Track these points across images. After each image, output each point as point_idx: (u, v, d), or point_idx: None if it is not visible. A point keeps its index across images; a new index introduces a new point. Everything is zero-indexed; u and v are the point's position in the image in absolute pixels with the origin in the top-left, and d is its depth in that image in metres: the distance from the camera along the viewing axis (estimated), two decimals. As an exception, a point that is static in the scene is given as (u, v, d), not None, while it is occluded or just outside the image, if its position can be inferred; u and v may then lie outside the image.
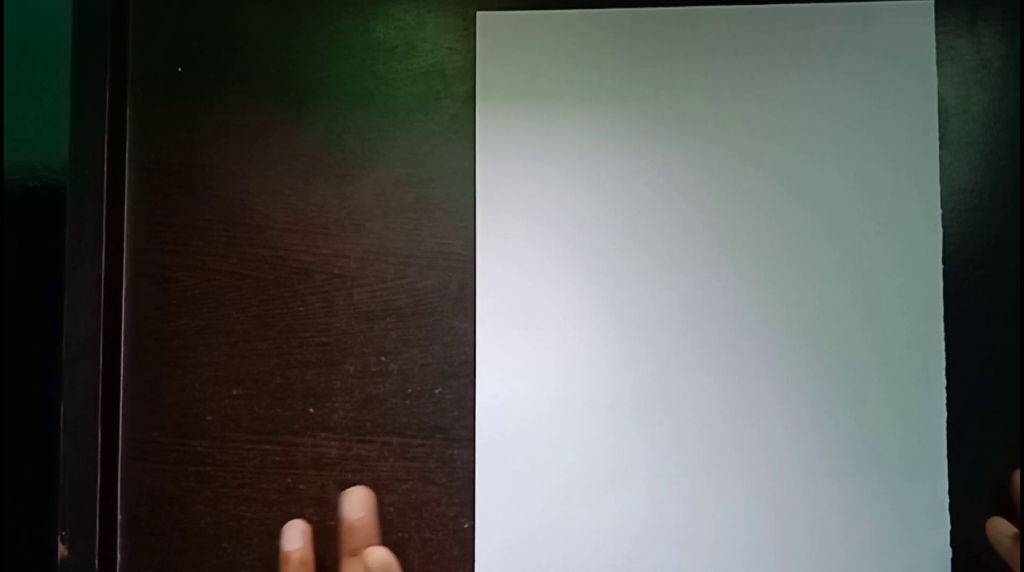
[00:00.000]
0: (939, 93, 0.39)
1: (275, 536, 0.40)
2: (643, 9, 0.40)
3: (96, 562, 0.39)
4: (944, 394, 0.38)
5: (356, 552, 0.36)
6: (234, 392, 0.41)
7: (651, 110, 0.40)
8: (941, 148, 0.39)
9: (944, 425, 0.38)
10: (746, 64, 0.40)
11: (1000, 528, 0.36)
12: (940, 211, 0.39)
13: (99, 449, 0.40)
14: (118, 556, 0.40)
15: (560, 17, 0.40)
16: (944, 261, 0.38)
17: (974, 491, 0.38)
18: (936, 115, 0.39)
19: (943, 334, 0.38)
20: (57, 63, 0.41)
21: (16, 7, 0.43)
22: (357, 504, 0.37)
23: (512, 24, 0.40)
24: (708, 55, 0.40)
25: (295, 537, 0.37)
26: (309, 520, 0.39)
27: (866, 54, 0.39)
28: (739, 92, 0.40)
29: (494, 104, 0.40)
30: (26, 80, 0.43)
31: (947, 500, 0.38)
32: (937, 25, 0.39)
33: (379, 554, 0.35)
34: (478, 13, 0.41)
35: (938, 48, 0.39)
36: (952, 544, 0.37)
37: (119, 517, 0.40)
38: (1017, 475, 0.37)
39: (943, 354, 0.38)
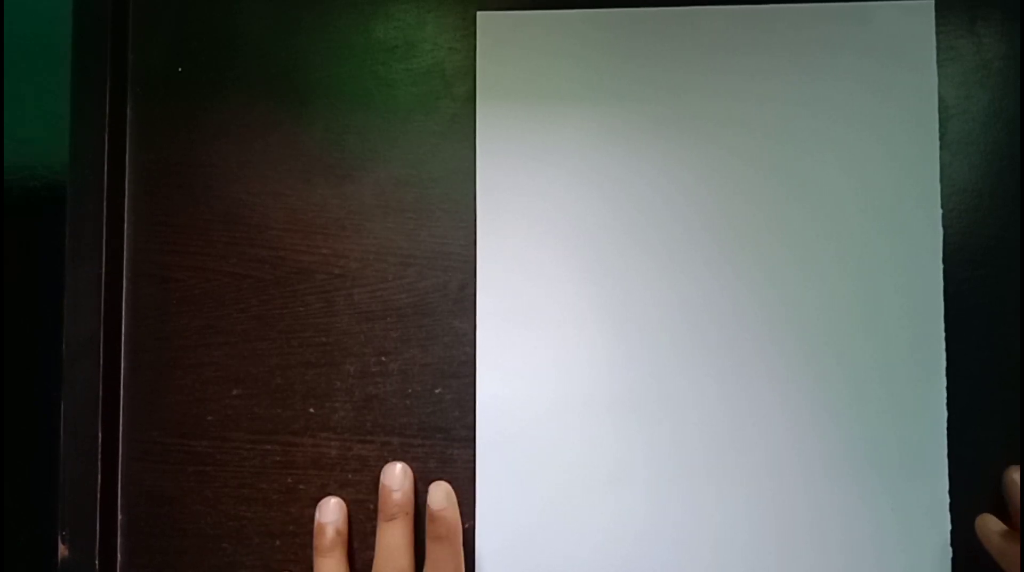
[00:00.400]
0: (939, 93, 0.39)
1: (275, 536, 0.40)
2: (644, 9, 0.40)
3: (96, 562, 0.39)
4: (944, 394, 0.38)
5: (392, 517, 0.37)
6: (234, 392, 0.41)
7: (651, 110, 0.40)
8: (941, 148, 0.39)
9: (944, 425, 0.38)
10: (746, 64, 0.40)
11: (990, 525, 0.36)
12: (940, 211, 0.39)
13: (99, 449, 0.40)
14: (118, 556, 0.40)
15: (561, 17, 0.40)
16: (944, 261, 0.38)
17: (974, 491, 0.38)
18: (936, 115, 0.39)
19: (943, 334, 0.38)
20: (57, 63, 0.41)
21: (16, 7, 0.43)
22: (398, 475, 0.38)
23: (512, 24, 0.40)
24: (709, 55, 0.40)
25: (331, 509, 0.38)
26: (309, 520, 0.39)
27: (866, 54, 0.39)
28: (739, 92, 0.40)
29: (494, 104, 0.40)
30: (26, 80, 0.43)
31: (947, 500, 0.38)
32: (937, 25, 0.39)
33: (443, 486, 0.38)
34: (478, 13, 0.41)
35: (938, 48, 0.39)
36: (952, 544, 0.37)
37: (119, 517, 0.40)
38: (1008, 473, 0.37)
39: (943, 354, 0.38)
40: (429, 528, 0.37)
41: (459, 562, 0.37)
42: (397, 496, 0.38)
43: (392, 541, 0.37)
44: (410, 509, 0.38)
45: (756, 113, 0.39)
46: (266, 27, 0.42)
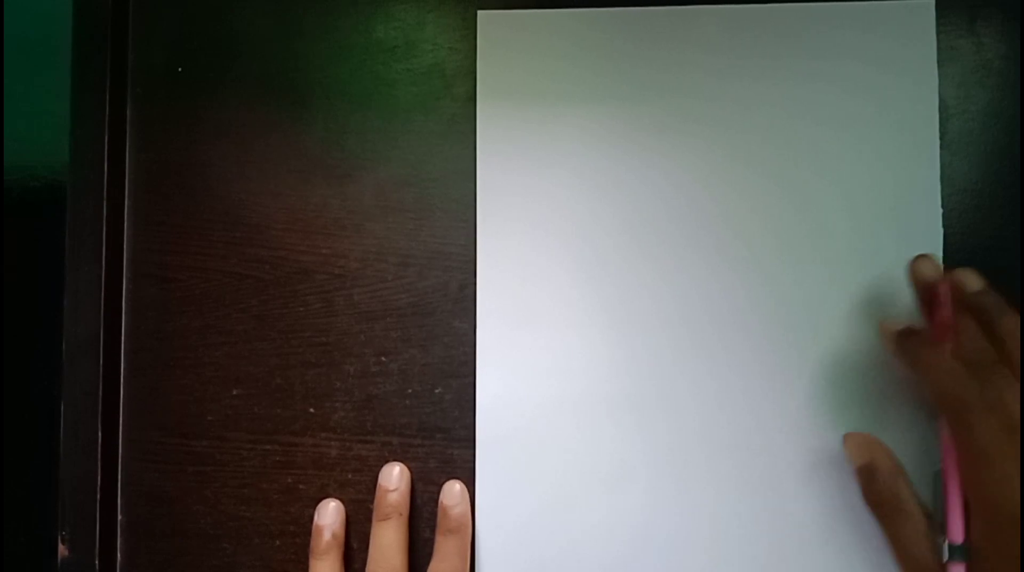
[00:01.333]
0: (939, 93, 0.39)
1: (275, 536, 0.40)
2: (645, 8, 0.40)
3: (96, 562, 0.39)
4: (944, 394, 0.38)
5: (386, 517, 0.38)
6: (234, 392, 0.41)
7: (652, 111, 0.40)
8: (941, 148, 0.39)
9: (944, 425, 0.38)
10: (746, 64, 0.40)
11: (888, 326, 0.36)
12: (940, 211, 0.39)
13: (99, 449, 0.40)
14: (118, 556, 0.40)
15: (562, 16, 0.40)
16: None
17: (974, 491, 0.38)
18: (936, 115, 0.39)
19: (943, 334, 0.38)
20: (57, 63, 0.41)
21: (16, 7, 0.43)
22: (395, 476, 0.39)
23: (513, 23, 0.40)
24: (710, 54, 0.40)
25: (329, 512, 0.39)
26: (309, 520, 0.39)
27: (866, 54, 0.39)
28: (739, 92, 0.40)
29: (494, 104, 0.40)
30: (26, 80, 0.43)
31: (947, 500, 0.38)
32: (937, 25, 0.39)
33: (458, 484, 0.39)
34: (479, 12, 0.41)
35: (938, 48, 0.39)
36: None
37: (119, 517, 0.40)
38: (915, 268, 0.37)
39: (943, 354, 0.38)
40: (441, 522, 0.38)
41: (467, 557, 0.38)
42: (393, 496, 0.38)
43: (385, 540, 0.37)
44: (405, 510, 0.38)
45: (755, 114, 0.39)
46: (266, 27, 0.42)
